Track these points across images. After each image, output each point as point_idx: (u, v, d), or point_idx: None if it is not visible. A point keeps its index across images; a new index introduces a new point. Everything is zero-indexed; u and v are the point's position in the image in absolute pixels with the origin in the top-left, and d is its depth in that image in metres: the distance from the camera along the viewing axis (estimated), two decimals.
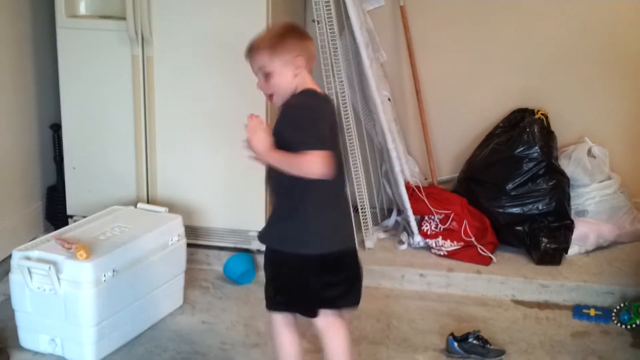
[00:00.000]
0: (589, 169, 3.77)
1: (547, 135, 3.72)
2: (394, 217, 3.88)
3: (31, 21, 3.53)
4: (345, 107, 3.53)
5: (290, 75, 2.21)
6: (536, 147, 3.64)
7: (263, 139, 2.19)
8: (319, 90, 2.29)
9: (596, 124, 3.96)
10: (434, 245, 3.61)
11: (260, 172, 3.12)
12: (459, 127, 4.08)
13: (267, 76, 2.21)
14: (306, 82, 2.25)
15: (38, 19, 3.56)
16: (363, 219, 3.62)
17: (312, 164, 2.08)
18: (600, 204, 3.78)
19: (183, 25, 3.28)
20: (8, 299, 2.87)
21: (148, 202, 3.44)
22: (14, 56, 3.44)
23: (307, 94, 2.25)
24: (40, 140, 3.66)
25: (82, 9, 3.48)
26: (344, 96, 3.52)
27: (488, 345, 2.86)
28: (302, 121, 2.19)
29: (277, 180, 2.26)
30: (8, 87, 3.42)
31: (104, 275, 2.68)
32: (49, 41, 3.54)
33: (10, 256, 2.76)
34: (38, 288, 2.68)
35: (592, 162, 3.78)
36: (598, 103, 3.98)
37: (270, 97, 2.27)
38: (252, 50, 2.23)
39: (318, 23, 3.42)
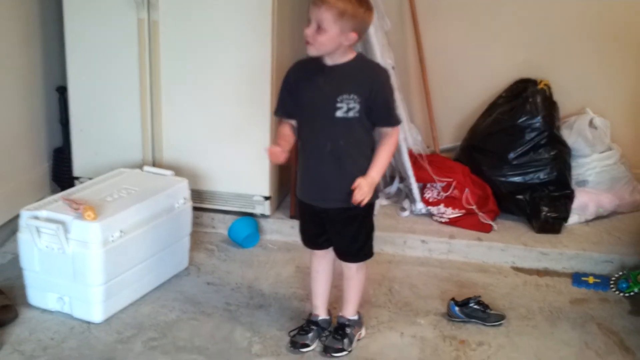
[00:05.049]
0: (590, 140, 3.79)
1: (549, 106, 3.74)
2: (396, 184, 3.91)
3: None
4: None
5: (338, 42, 2.31)
6: (538, 117, 3.67)
7: (371, 190, 2.40)
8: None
9: (598, 95, 3.99)
10: (435, 212, 3.64)
11: (265, 137, 3.17)
12: (462, 96, 4.10)
13: (319, 30, 2.28)
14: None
15: None
16: None
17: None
18: (601, 175, 3.82)
19: None
20: (16, 258, 2.90)
21: (154, 165, 3.46)
22: (21, 18, 3.44)
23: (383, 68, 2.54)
24: (46, 102, 3.67)
25: None
26: None
27: (488, 310, 2.90)
28: (393, 100, 2.45)
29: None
30: (15, 50, 3.42)
31: (112, 236, 2.71)
32: (55, 3, 3.53)
33: (18, 216, 2.78)
34: (46, 247, 2.71)
35: (594, 133, 3.80)
36: (600, 74, 4.00)
37: (307, 43, 2.33)
38: (323, 3, 2.26)
39: None
